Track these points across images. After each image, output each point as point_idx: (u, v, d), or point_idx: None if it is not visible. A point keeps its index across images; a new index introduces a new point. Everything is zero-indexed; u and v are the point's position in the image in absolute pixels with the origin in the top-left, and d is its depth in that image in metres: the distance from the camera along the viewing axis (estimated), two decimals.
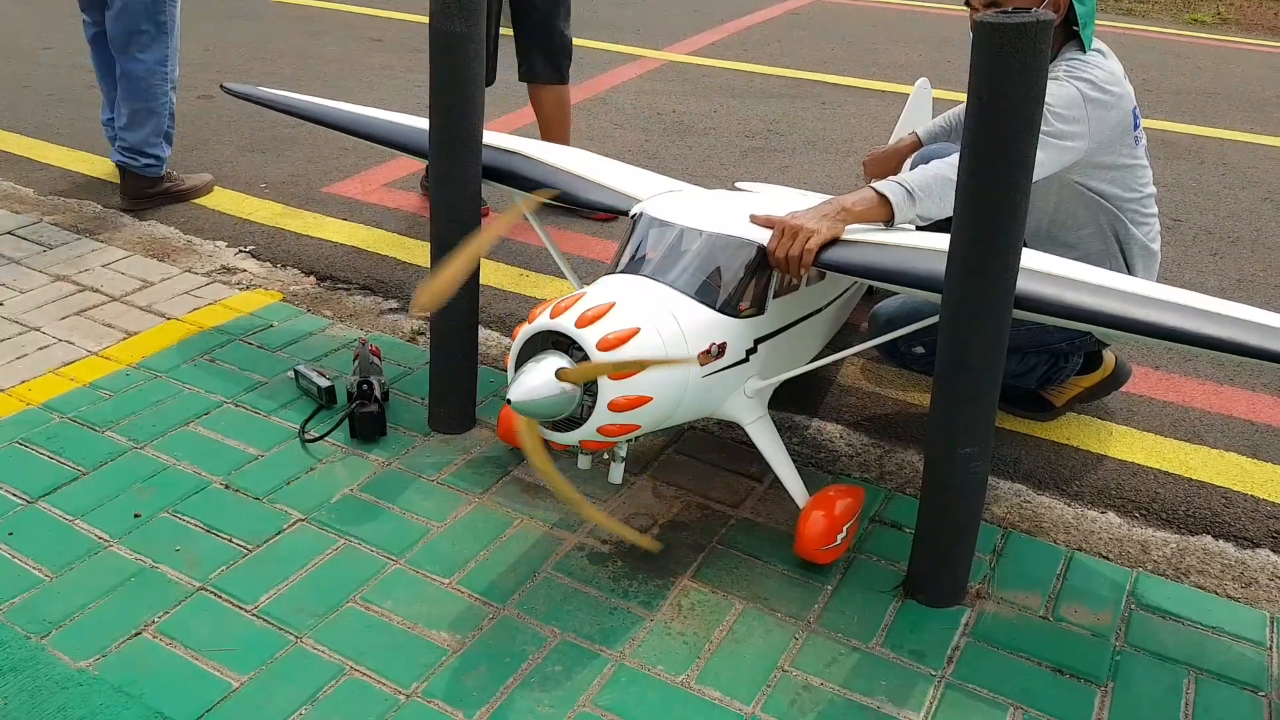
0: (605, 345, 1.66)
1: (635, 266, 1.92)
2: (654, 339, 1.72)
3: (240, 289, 3.00)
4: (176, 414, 2.39)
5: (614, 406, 1.68)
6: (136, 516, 2.05)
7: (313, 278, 3.11)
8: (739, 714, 1.66)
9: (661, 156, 4.24)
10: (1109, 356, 2.43)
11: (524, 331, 1.73)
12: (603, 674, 1.73)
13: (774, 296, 1.97)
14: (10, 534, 1.99)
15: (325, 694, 1.67)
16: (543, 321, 1.70)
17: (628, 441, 1.88)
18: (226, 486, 2.15)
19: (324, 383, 2.42)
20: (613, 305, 1.72)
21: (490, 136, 2.27)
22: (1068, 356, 2.34)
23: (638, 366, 1.65)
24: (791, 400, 2.54)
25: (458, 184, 2.14)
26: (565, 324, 1.68)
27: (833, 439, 2.41)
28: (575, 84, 5.18)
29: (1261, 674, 1.79)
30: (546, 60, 3.47)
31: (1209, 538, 2.13)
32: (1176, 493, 2.27)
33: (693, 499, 2.18)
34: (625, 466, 1.93)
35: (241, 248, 3.28)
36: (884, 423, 2.48)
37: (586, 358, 1.67)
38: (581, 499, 1.77)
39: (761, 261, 1.92)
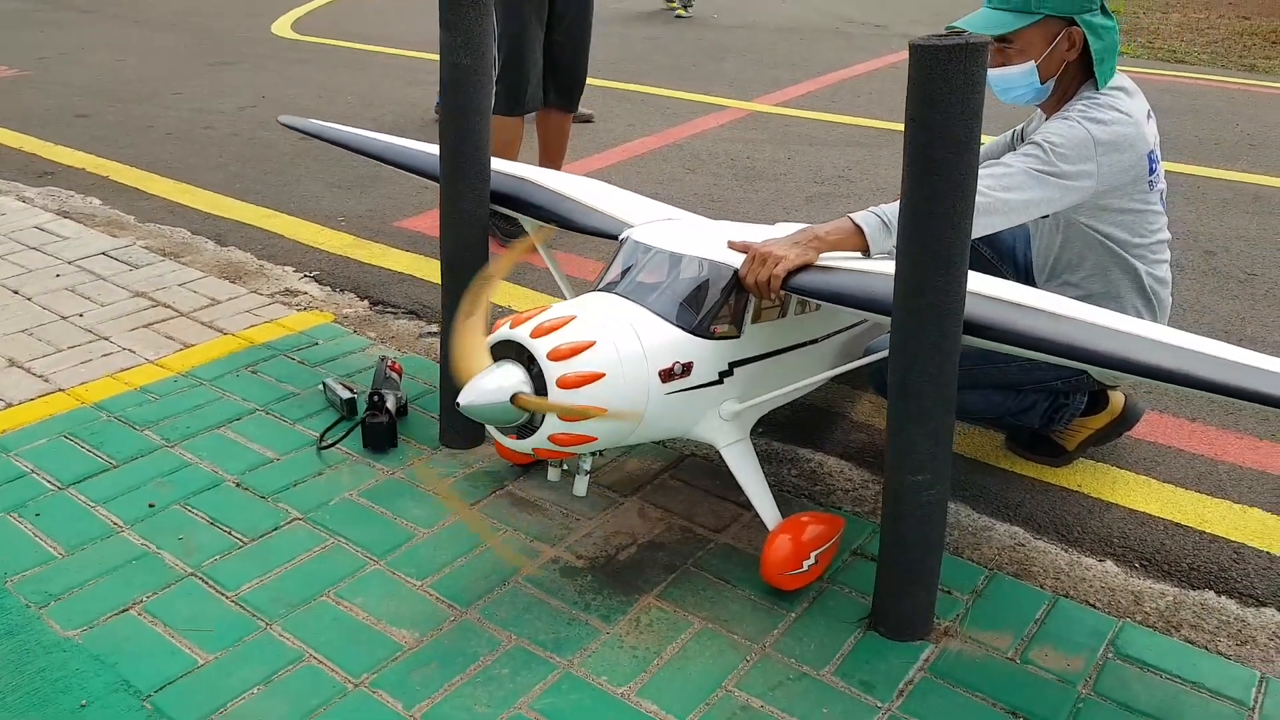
0: (557, 355, 1.72)
1: (610, 286, 1.98)
2: (610, 353, 1.77)
3: (298, 310, 3.19)
4: (210, 418, 2.56)
5: (565, 417, 1.73)
6: (150, 506, 2.20)
7: (366, 302, 3.29)
8: None
9: (725, 200, 4.31)
10: (1117, 397, 2.34)
11: (487, 341, 1.80)
12: (546, 680, 1.77)
13: (752, 321, 2.00)
14: (37, 515, 2.17)
15: (280, 677, 1.76)
16: (503, 332, 1.78)
17: (591, 455, 1.93)
18: (238, 485, 2.29)
19: (346, 395, 2.55)
20: (572, 319, 1.78)
21: (501, 164, 2.38)
22: (1068, 395, 2.27)
23: (584, 414, 1.70)
24: (797, 433, 2.54)
25: (466, 208, 2.25)
26: (521, 334, 1.75)
27: (832, 472, 2.39)
28: (655, 132, 5.37)
29: None
30: (559, 89, 3.79)
31: (1210, 593, 2.02)
32: (1184, 545, 2.17)
33: (676, 521, 2.20)
34: (615, 486, 1.96)
35: (307, 273, 3.49)
36: None
37: (541, 369, 1.73)
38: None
39: (736, 286, 1.95)
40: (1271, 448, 2.50)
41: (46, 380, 2.72)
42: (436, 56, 2.21)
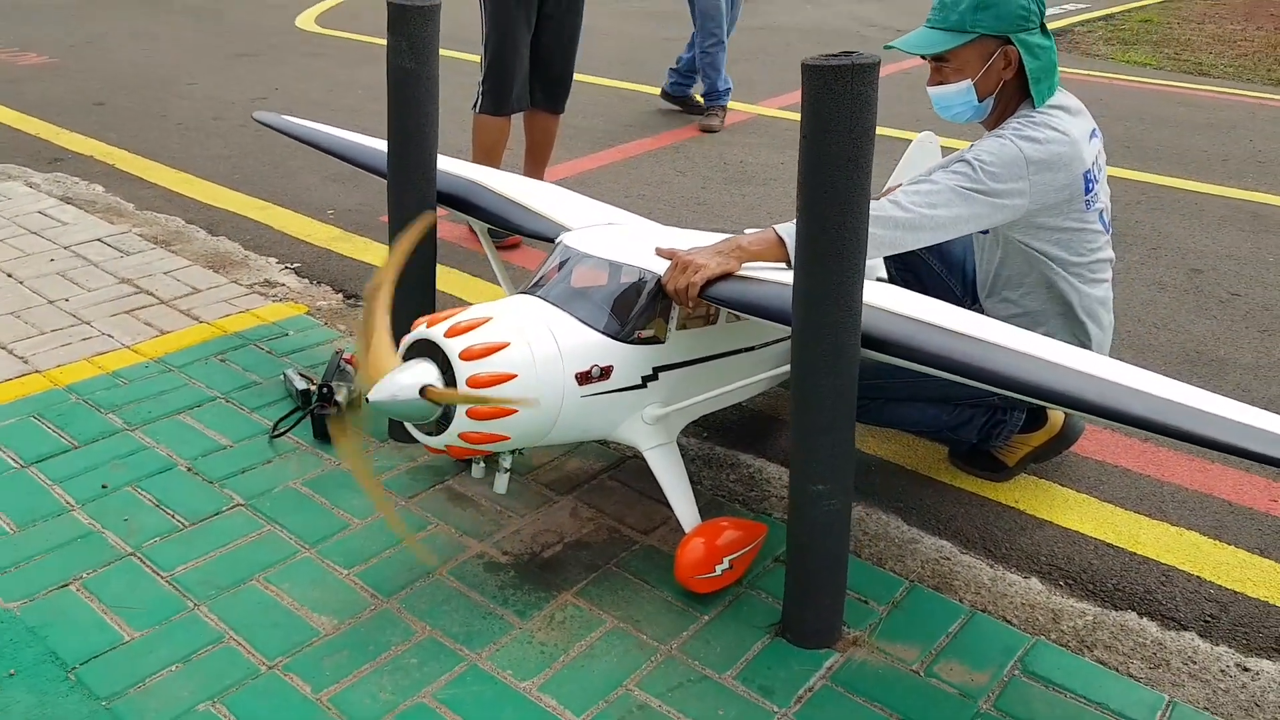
0: (469, 355, 1.77)
1: (534, 289, 2.02)
2: (523, 354, 1.81)
3: (274, 301, 3.27)
4: (173, 403, 2.64)
5: (474, 415, 1.78)
6: (104, 487, 2.28)
7: (341, 295, 3.36)
8: None
9: (711, 204, 4.33)
10: (1056, 415, 2.35)
11: (405, 340, 1.85)
12: (453, 671, 1.82)
13: (678, 328, 2.03)
14: None
15: (198, 656, 1.83)
16: (419, 331, 1.83)
17: (511, 453, 1.97)
18: (189, 469, 2.37)
19: (302, 386, 2.61)
20: (488, 320, 1.83)
21: (455, 165, 2.43)
22: (1006, 411, 2.28)
23: (483, 401, 1.75)
24: (741, 438, 2.57)
25: (412, 208, 2.30)
26: (436, 334, 1.80)
27: (770, 479, 2.42)
28: (655, 134, 5.39)
29: None
30: (546, 91, 3.80)
31: (1132, 614, 2.02)
32: (1113, 565, 2.17)
33: (606, 522, 2.24)
34: (553, 485, 1.99)
35: (288, 265, 3.57)
36: None
37: (452, 368, 1.77)
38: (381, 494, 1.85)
39: (660, 292, 1.99)
40: (1221, 471, 2.49)
41: (26, 362, 2.82)
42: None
